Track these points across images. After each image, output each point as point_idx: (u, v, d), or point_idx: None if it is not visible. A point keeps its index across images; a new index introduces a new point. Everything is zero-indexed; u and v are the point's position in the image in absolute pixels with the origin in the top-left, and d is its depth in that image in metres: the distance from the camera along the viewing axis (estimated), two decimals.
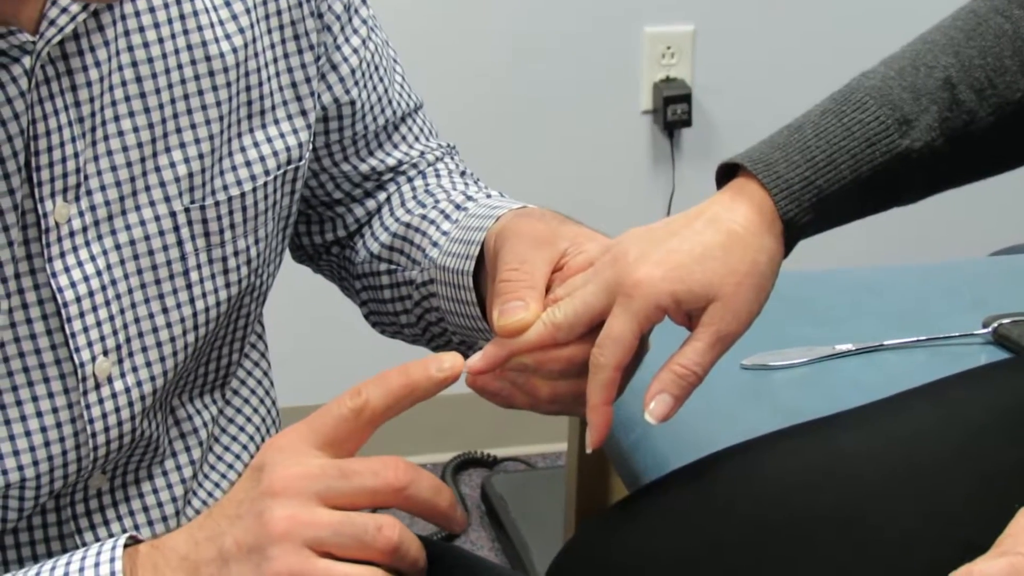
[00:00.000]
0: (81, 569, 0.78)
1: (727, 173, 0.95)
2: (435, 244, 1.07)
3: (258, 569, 0.75)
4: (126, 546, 0.79)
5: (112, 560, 0.78)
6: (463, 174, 1.15)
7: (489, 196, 1.11)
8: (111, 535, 0.98)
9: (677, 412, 0.90)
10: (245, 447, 1.08)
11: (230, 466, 1.07)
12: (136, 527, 1.00)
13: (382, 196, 1.12)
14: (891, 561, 0.90)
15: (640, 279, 0.88)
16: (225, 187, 0.97)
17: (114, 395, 0.93)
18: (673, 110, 2.39)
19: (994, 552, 0.79)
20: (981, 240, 2.24)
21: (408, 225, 1.10)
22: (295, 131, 1.01)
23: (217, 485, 1.06)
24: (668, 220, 0.92)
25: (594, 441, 0.89)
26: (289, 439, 0.78)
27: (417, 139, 1.14)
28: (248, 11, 0.97)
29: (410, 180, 1.12)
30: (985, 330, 1.36)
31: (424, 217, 1.09)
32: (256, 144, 0.99)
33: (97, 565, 0.78)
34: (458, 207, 1.09)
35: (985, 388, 1.06)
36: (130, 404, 0.94)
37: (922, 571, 0.82)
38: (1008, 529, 0.80)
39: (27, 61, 0.85)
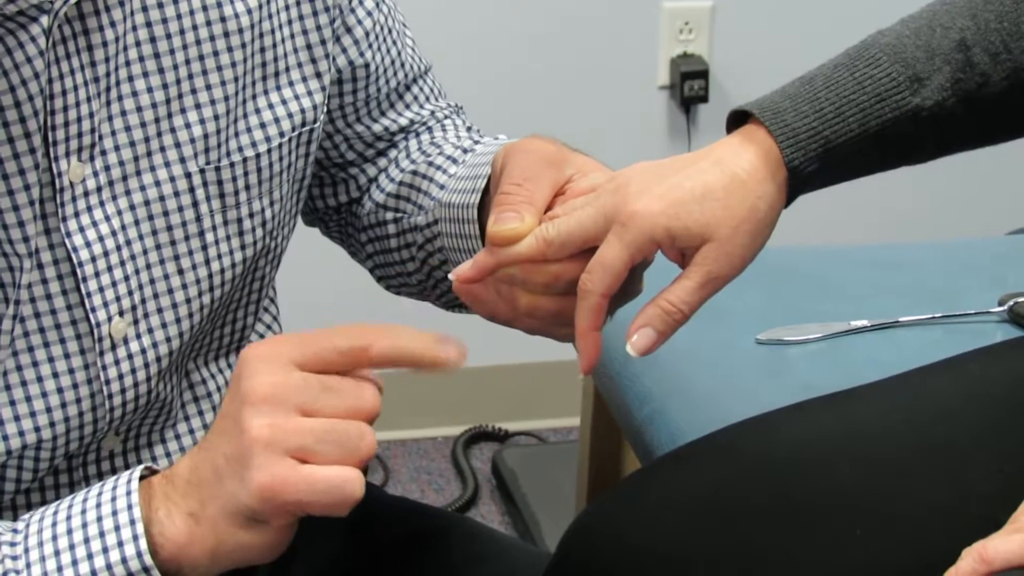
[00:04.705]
0: (99, 504, 0.79)
1: (737, 120, 0.95)
2: (442, 187, 1.08)
3: (242, 480, 0.74)
4: (142, 478, 0.80)
5: (128, 493, 0.79)
6: (469, 129, 1.16)
7: (496, 139, 1.12)
8: None
9: (659, 348, 0.90)
10: None
11: None
12: None
13: (393, 154, 1.13)
14: (907, 537, 0.90)
15: (638, 210, 0.88)
16: (240, 148, 0.97)
17: (130, 356, 0.93)
18: (690, 86, 2.38)
19: (1009, 528, 0.79)
20: (999, 219, 2.23)
21: (415, 173, 1.10)
22: (310, 93, 1.01)
23: None
24: (675, 158, 0.93)
25: (583, 366, 0.91)
26: (272, 349, 0.78)
27: (428, 99, 1.14)
28: None
29: (417, 135, 1.13)
30: (1001, 308, 1.36)
31: (431, 164, 1.10)
32: (271, 106, 0.99)
33: (114, 499, 0.78)
34: (465, 151, 1.10)
35: (1002, 365, 1.05)
36: (146, 365, 0.94)
37: (939, 547, 0.81)
38: (1023, 506, 0.80)
39: (45, 20, 0.84)
